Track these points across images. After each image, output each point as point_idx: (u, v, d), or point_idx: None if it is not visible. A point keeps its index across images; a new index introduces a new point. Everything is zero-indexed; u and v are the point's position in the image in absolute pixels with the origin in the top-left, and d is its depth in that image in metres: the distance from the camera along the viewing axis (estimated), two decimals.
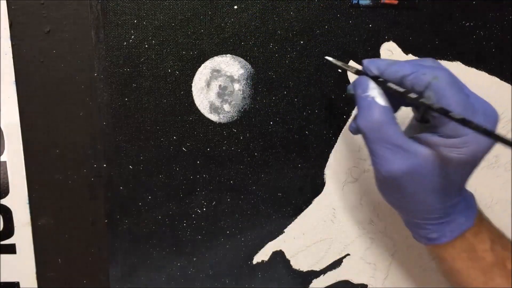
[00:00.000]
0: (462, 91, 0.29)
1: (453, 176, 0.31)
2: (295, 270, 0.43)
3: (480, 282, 0.34)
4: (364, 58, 0.38)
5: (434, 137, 0.30)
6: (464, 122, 0.27)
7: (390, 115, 0.31)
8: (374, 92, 0.31)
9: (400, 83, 0.30)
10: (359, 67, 0.35)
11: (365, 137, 0.32)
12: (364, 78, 0.32)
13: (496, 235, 0.34)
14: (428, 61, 0.32)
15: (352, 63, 0.38)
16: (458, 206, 0.32)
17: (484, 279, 0.33)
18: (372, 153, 0.32)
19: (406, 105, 0.33)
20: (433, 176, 0.30)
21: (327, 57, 0.36)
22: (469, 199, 0.34)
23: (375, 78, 0.31)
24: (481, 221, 0.34)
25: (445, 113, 0.28)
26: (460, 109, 0.28)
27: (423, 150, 0.30)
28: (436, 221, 0.32)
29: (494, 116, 0.30)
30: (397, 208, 0.35)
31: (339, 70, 0.38)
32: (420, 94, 0.30)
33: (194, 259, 0.42)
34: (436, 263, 0.38)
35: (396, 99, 0.32)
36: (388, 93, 0.31)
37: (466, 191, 0.35)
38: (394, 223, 0.42)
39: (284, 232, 0.42)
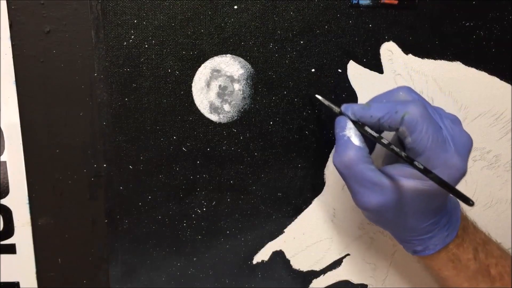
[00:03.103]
0: (433, 123, 0.31)
1: (429, 203, 0.32)
2: (295, 270, 0.43)
3: None
4: (364, 59, 0.38)
5: (407, 168, 0.31)
6: (426, 171, 0.28)
7: (364, 154, 0.32)
8: (351, 132, 0.33)
9: (378, 124, 0.32)
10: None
11: (340, 174, 0.33)
12: (343, 118, 0.34)
13: (480, 243, 0.36)
14: (403, 92, 0.33)
15: (352, 63, 0.38)
16: (440, 222, 0.34)
17: (469, 285, 0.35)
18: (348, 188, 0.34)
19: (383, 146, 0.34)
20: (408, 205, 0.32)
21: (317, 96, 0.37)
22: (453, 211, 0.35)
23: (355, 121, 0.33)
24: (465, 231, 0.35)
25: (410, 161, 0.29)
26: (430, 141, 0.30)
27: (394, 185, 0.31)
28: (420, 237, 0.34)
29: (467, 146, 0.32)
30: (384, 229, 0.37)
31: (339, 70, 0.39)
32: (397, 131, 0.31)
33: (194, 259, 0.42)
34: (426, 270, 0.41)
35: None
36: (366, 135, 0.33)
37: (451, 203, 0.36)
38: None
39: (284, 232, 0.42)
